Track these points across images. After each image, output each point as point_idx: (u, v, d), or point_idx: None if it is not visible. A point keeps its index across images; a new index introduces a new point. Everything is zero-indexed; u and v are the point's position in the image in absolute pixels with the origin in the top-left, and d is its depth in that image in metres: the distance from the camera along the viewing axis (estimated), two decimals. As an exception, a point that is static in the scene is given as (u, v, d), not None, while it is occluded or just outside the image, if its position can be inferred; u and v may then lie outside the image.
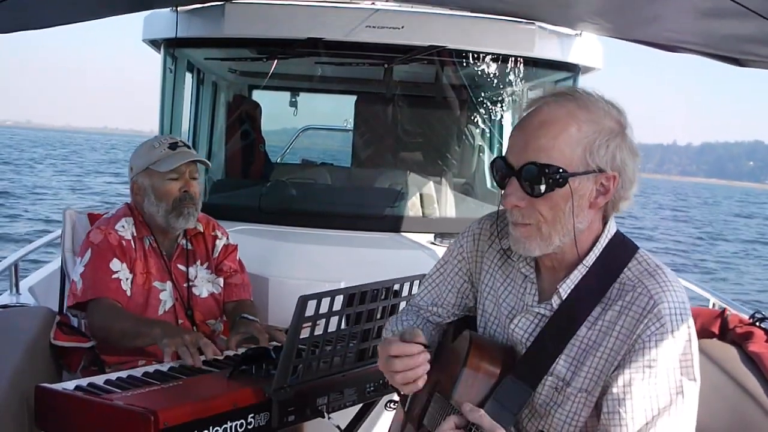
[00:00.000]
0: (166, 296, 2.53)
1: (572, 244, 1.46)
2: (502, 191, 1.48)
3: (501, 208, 1.53)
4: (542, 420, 1.50)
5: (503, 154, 1.48)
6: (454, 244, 1.73)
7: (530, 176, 1.41)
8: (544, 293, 1.54)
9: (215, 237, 2.71)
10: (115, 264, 2.43)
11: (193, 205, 2.54)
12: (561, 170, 1.39)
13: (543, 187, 1.40)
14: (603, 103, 1.46)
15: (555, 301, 1.49)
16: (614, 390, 1.39)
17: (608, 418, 1.39)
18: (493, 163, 1.50)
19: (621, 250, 1.49)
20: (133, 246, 2.50)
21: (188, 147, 2.59)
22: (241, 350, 2.28)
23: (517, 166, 1.43)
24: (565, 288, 1.48)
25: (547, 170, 1.39)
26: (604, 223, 1.51)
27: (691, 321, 1.41)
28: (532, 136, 1.42)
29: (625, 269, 1.47)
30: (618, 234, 1.52)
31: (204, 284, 2.63)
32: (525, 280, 1.56)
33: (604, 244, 1.49)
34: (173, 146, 2.55)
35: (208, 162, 2.61)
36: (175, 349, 2.14)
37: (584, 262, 1.48)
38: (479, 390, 1.47)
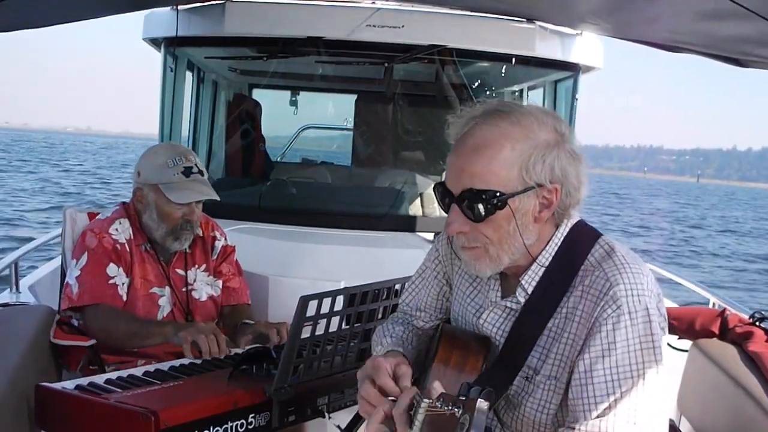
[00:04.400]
0: (164, 302, 2.52)
1: (524, 256, 1.47)
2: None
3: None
4: (515, 410, 1.51)
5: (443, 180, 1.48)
6: (432, 248, 1.75)
7: (469, 204, 1.41)
8: (509, 290, 1.55)
9: (214, 238, 2.69)
10: (112, 269, 2.43)
11: (191, 230, 2.53)
12: (498, 194, 1.40)
13: (483, 213, 1.41)
14: (536, 113, 1.45)
15: (520, 294, 1.50)
16: (576, 376, 1.40)
17: (573, 404, 1.40)
18: (434, 189, 1.51)
19: (582, 239, 1.50)
20: (128, 249, 2.48)
21: (202, 173, 2.53)
22: (236, 351, 2.28)
23: (455, 192, 1.43)
24: (528, 280, 1.49)
25: (484, 195, 1.40)
26: (556, 227, 1.50)
27: (651, 301, 1.40)
28: (466, 162, 1.42)
29: (588, 256, 1.47)
30: (580, 223, 1.52)
31: (203, 287, 2.62)
32: (490, 279, 1.58)
33: (558, 242, 1.49)
34: (187, 172, 2.48)
35: (218, 196, 2.54)
36: (191, 338, 2.15)
37: (538, 261, 1.48)
38: (450, 380, 1.46)
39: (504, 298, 1.54)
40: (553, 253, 1.49)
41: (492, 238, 1.44)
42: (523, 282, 1.50)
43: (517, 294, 1.51)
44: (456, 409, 1.16)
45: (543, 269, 1.49)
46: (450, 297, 1.72)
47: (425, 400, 1.23)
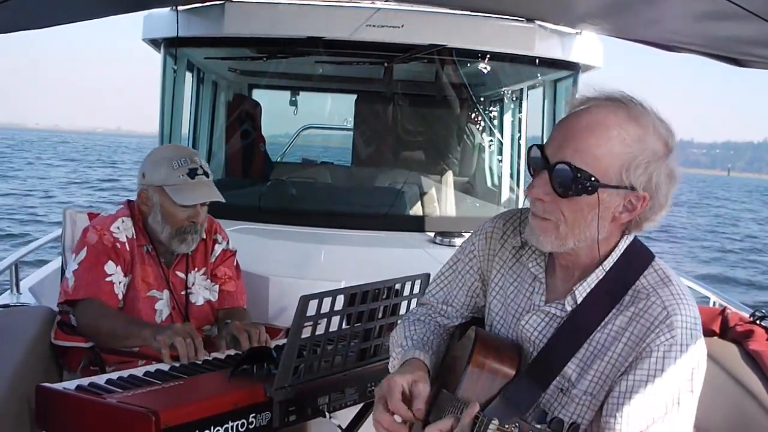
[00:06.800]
0: (162, 305, 2.51)
1: (589, 249, 1.45)
2: (531, 179, 1.45)
3: (522, 206, 1.52)
4: None
5: (542, 143, 1.44)
6: (466, 242, 1.71)
7: (562, 175, 1.37)
8: (554, 293, 1.53)
9: (215, 241, 2.68)
10: (110, 266, 2.41)
11: (196, 233, 2.51)
12: (593, 178, 1.37)
13: (571, 190, 1.38)
14: (655, 120, 1.42)
15: (569, 302, 1.48)
16: (615, 395, 1.40)
17: (605, 421, 1.40)
18: (529, 150, 1.46)
19: (638, 258, 1.48)
20: (128, 249, 2.47)
21: (207, 175, 2.50)
22: (236, 351, 2.27)
23: (551, 160, 1.40)
24: (581, 291, 1.47)
25: (579, 174, 1.36)
26: (622, 234, 1.48)
27: (701, 336, 1.41)
28: (574, 136, 1.39)
29: (641, 277, 1.46)
30: (636, 240, 1.50)
31: (201, 291, 2.60)
32: (534, 280, 1.55)
33: (622, 251, 1.47)
34: (192, 173, 2.46)
35: (223, 198, 2.52)
36: (169, 341, 2.12)
37: (603, 266, 1.46)
38: (484, 386, 1.46)
39: (548, 302, 1.52)
40: (614, 261, 1.46)
41: (567, 218, 1.41)
42: (576, 291, 1.47)
43: (565, 302, 1.48)
44: None
45: (597, 280, 1.46)
46: (480, 294, 1.69)
47: (494, 421, 1.21)
